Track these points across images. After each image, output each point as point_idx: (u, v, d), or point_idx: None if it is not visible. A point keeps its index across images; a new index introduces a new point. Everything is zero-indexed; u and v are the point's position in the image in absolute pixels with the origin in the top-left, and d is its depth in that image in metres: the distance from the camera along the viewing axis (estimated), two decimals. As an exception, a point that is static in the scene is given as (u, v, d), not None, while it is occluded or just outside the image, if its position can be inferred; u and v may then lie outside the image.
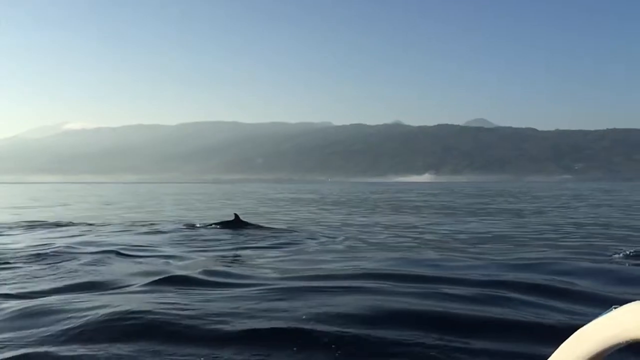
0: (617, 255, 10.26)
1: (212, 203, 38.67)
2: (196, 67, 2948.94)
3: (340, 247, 12.61)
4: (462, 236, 15.38)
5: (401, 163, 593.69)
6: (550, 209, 29.99)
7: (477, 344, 4.86)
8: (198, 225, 17.46)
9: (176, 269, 9.06)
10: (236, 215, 17.26)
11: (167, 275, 8.00)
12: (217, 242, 13.29)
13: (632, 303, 1.29)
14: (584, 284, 7.70)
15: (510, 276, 8.11)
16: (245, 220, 17.28)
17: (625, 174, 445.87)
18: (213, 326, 5.15)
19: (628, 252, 10.36)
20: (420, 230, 17.39)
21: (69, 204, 39.04)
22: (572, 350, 1.37)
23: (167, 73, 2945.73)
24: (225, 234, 15.15)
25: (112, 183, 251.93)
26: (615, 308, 1.32)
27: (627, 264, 9.50)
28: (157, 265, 9.57)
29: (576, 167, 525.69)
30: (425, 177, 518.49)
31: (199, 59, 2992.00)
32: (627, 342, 1.28)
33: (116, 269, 9.06)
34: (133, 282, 7.63)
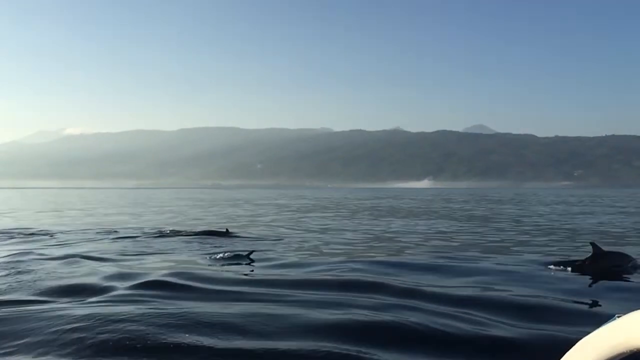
0: (553, 267, 9.67)
1: (199, 210, 38.34)
2: (196, 72, 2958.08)
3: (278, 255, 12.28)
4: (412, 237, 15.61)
5: (400, 169, 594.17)
6: (530, 214, 29.97)
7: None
8: (168, 232, 17.03)
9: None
10: (214, 231, 16.89)
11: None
12: (174, 250, 12.92)
13: (636, 312, 1.28)
14: (450, 287, 7.96)
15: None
16: (218, 229, 17.06)
17: (625, 181, 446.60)
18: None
19: (564, 261, 9.94)
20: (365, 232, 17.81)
21: (54, 210, 38.51)
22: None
23: (167, 79, 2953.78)
24: (188, 242, 14.64)
25: (111, 188, 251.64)
26: (618, 317, 1.31)
27: (552, 272, 9.22)
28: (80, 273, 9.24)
29: (575, 174, 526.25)
30: (425, 183, 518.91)
31: (199, 65, 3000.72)
32: (630, 351, 1.28)
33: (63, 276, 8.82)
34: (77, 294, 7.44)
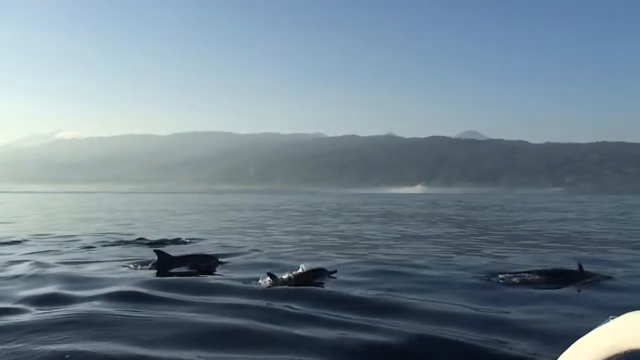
0: (500, 276, 9.70)
1: (182, 215, 38.67)
2: (190, 77, 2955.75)
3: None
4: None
5: (394, 174, 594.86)
6: (508, 220, 30.66)
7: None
8: (126, 240, 17.12)
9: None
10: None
11: None
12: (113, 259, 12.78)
13: (630, 313, 1.30)
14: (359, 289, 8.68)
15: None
16: (186, 239, 17.46)
17: (616, 187, 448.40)
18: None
19: (518, 273, 9.83)
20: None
21: (27, 215, 38.44)
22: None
23: (161, 83, 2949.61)
24: (133, 252, 14.61)
25: (103, 193, 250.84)
26: (612, 318, 1.33)
27: (495, 283, 9.38)
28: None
29: (567, 180, 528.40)
30: (418, 189, 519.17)
31: (193, 69, 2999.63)
32: (625, 352, 1.29)
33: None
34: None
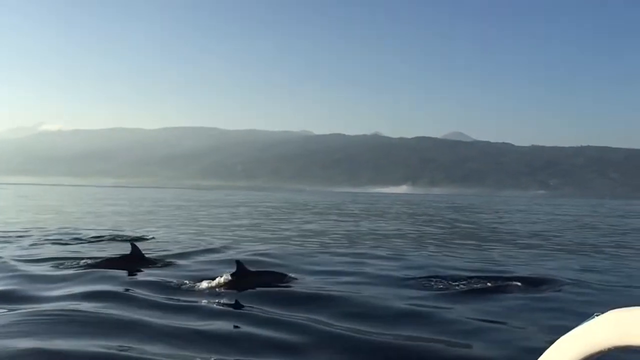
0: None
1: (154, 212, 38.52)
2: (178, 72, 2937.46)
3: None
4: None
5: (380, 174, 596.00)
6: (474, 221, 31.08)
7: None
8: (81, 238, 17.15)
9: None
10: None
11: None
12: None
13: (614, 310, 1.31)
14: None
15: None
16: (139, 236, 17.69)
17: (600, 191, 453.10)
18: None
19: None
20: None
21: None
22: (554, 358, 1.38)
23: (149, 77, 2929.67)
24: (81, 248, 14.78)
25: (88, 186, 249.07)
26: (597, 315, 1.34)
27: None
28: None
29: (551, 183, 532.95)
30: (403, 189, 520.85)
31: (182, 64, 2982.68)
32: (609, 349, 1.30)
33: None
34: None
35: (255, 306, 7.81)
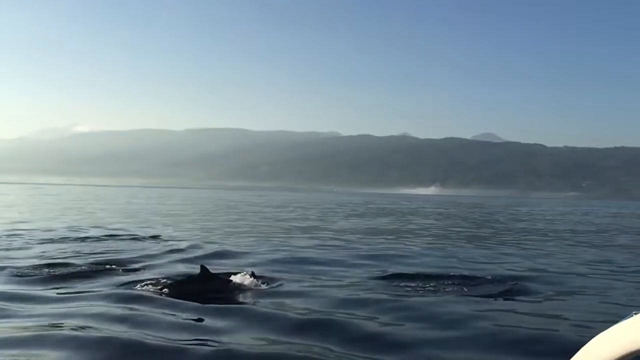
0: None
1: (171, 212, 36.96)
2: (205, 73, 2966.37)
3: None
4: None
5: (408, 175, 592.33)
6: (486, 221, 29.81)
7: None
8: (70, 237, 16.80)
9: None
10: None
11: None
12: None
13: None
14: None
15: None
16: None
17: (634, 193, 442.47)
18: None
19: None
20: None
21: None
22: (591, 355, 1.35)
23: (176, 79, 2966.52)
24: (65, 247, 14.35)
25: (116, 186, 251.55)
26: (635, 314, 1.31)
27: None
28: None
29: (583, 185, 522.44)
30: (432, 190, 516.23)
31: (208, 66, 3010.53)
32: None
33: None
34: None
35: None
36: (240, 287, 8.99)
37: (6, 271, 10.22)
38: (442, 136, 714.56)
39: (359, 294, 8.65)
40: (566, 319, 7.24)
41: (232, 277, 9.22)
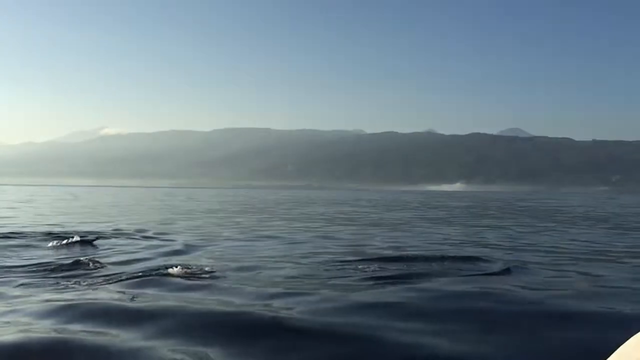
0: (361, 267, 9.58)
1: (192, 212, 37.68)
2: (229, 73, 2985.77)
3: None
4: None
5: (433, 172, 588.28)
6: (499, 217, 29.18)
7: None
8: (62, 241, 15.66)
9: None
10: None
11: None
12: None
13: None
14: None
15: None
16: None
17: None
18: None
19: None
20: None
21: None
22: (631, 354, 1.34)
23: (201, 79, 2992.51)
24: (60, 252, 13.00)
25: (143, 187, 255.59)
26: None
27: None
28: None
29: (613, 179, 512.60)
30: (457, 187, 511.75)
31: (232, 66, 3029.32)
32: None
33: None
34: None
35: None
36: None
37: None
38: (468, 132, 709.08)
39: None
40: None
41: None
